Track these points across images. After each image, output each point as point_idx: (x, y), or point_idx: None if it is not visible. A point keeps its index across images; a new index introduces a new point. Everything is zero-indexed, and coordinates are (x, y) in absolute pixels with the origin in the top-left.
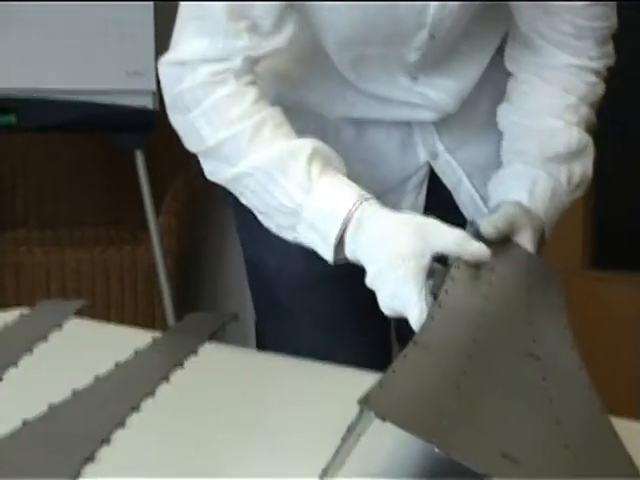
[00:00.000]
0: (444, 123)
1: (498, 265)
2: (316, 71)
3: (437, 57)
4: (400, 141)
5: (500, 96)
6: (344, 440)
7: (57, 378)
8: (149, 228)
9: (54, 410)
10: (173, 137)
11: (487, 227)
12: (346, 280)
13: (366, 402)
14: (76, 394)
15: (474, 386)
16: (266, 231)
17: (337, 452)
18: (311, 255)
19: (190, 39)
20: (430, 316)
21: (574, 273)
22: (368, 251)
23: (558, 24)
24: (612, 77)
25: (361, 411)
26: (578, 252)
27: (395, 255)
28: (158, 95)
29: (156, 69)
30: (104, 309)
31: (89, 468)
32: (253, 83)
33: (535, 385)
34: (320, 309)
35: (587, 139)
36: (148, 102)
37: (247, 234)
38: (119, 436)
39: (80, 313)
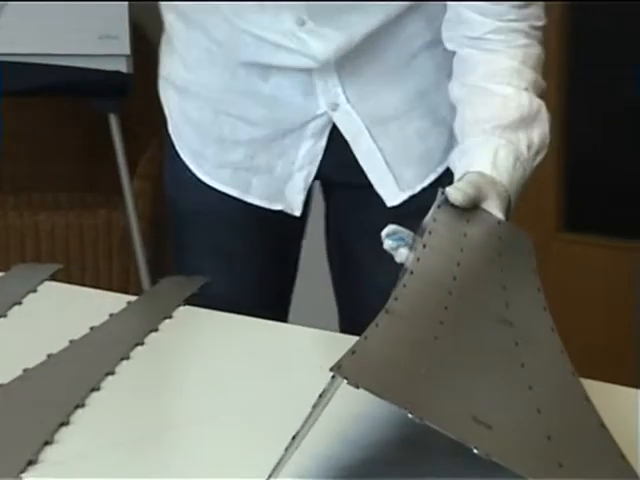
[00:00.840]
0: (348, 75)
1: (469, 231)
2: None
3: (323, 8)
4: (302, 89)
5: (409, 52)
6: (315, 407)
7: (32, 342)
8: (124, 192)
9: (29, 374)
10: (148, 101)
11: (455, 193)
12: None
13: (338, 369)
14: (51, 358)
15: (446, 353)
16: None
17: (307, 419)
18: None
19: None
20: (402, 284)
21: (549, 236)
22: None
23: None
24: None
25: (333, 378)
26: (553, 215)
27: None
28: (132, 59)
29: (130, 32)
30: (79, 273)
31: (64, 432)
32: None
33: (507, 351)
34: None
35: (538, 102)
36: (122, 66)
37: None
38: (94, 400)
39: (55, 277)
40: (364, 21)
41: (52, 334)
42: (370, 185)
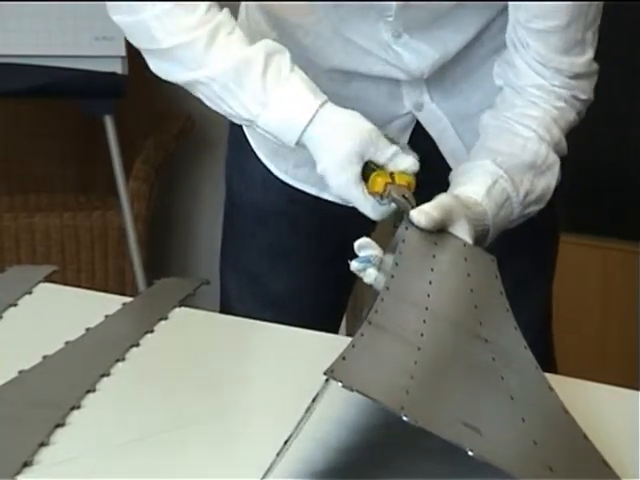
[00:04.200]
0: (435, 77)
1: (437, 253)
2: (309, 15)
3: (421, 22)
4: (386, 92)
5: (492, 50)
6: (308, 410)
7: (27, 343)
8: (119, 193)
9: (24, 376)
10: (143, 102)
11: (419, 216)
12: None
13: (332, 372)
14: (46, 359)
15: (429, 364)
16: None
17: (300, 421)
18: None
19: None
20: (380, 298)
21: None
22: (316, 152)
23: (528, 48)
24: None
25: (327, 381)
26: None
27: (335, 161)
28: (128, 60)
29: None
30: (74, 275)
31: (59, 434)
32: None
33: (486, 364)
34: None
35: (555, 159)
36: (118, 67)
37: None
38: (90, 402)
39: (50, 278)
40: (458, 35)
41: (47, 335)
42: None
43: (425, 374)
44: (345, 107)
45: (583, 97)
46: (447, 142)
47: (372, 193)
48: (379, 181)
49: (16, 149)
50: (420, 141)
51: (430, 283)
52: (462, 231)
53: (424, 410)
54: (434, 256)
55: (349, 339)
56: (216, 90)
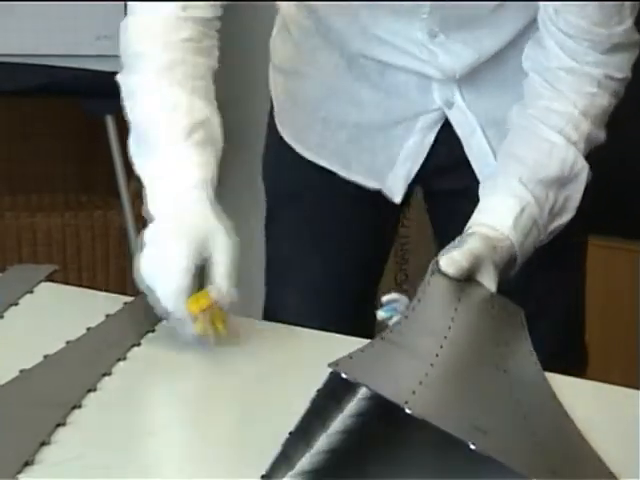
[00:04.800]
0: (467, 76)
1: (463, 297)
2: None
3: (457, 22)
4: (418, 84)
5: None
6: (313, 403)
7: (28, 343)
8: (120, 193)
9: (25, 375)
10: None
11: (447, 265)
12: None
13: (336, 365)
14: (47, 359)
15: (440, 376)
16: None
17: (305, 414)
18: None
19: None
20: (397, 322)
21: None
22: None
23: (558, 20)
24: None
25: (331, 375)
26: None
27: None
28: None
29: None
30: (75, 274)
31: (61, 433)
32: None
33: (500, 385)
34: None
35: (582, 165)
36: (119, 67)
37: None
38: (91, 401)
39: (51, 278)
40: (495, 36)
41: (49, 335)
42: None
43: (434, 383)
44: (377, 93)
45: (619, 75)
46: (474, 146)
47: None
48: (197, 302)
49: (17, 149)
50: (446, 144)
51: (452, 320)
52: (488, 278)
53: (429, 408)
54: (459, 299)
55: (350, 338)
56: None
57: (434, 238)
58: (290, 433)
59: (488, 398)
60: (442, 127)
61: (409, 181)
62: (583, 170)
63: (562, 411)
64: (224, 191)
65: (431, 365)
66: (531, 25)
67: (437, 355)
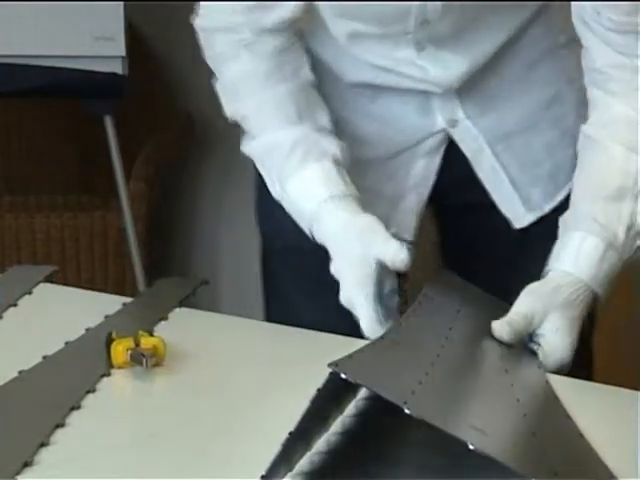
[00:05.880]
0: (468, 89)
1: (465, 300)
2: (326, 30)
3: (444, 34)
4: (417, 106)
5: (528, 61)
6: (313, 402)
7: (27, 343)
8: (119, 194)
9: (24, 376)
10: (143, 103)
11: (501, 330)
12: None
13: (336, 365)
14: (46, 360)
15: (441, 375)
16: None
17: (305, 413)
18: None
19: (203, 6)
20: (399, 322)
21: None
22: (328, 246)
23: (599, 17)
24: None
25: (331, 375)
26: None
27: (342, 260)
28: (128, 60)
29: (125, 34)
30: (74, 275)
31: (60, 434)
32: (270, 54)
33: (499, 377)
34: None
35: None
36: (118, 67)
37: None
38: (90, 402)
39: (50, 279)
40: (486, 41)
41: (48, 335)
42: (492, 206)
43: (434, 382)
44: (374, 126)
45: None
46: (483, 163)
47: (117, 364)
48: (120, 350)
49: (16, 149)
50: (454, 163)
51: (454, 320)
52: (552, 328)
53: (428, 408)
54: (462, 301)
55: (350, 339)
56: (256, 164)
57: (440, 248)
58: (290, 433)
59: (488, 398)
60: (448, 147)
61: (420, 210)
62: None
63: (563, 411)
64: (224, 191)
65: (432, 364)
66: (527, 29)
67: (438, 355)
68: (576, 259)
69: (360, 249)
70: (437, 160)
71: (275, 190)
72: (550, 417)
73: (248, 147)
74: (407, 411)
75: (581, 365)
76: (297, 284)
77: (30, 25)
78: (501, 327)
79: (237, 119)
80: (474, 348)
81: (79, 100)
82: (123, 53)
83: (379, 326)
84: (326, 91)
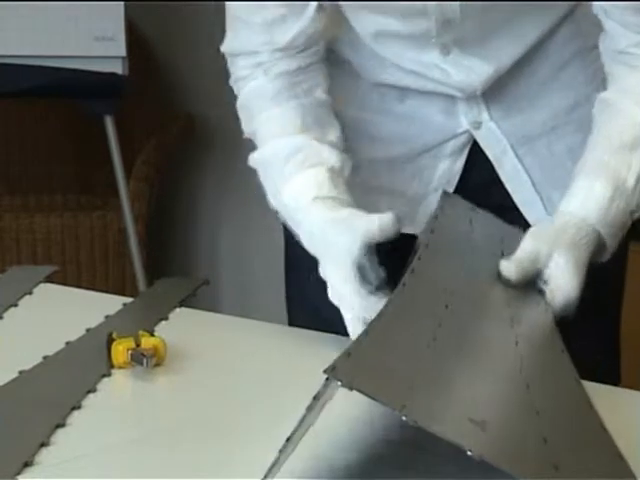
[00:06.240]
0: (493, 91)
1: (474, 234)
2: (352, 31)
3: (469, 37)
4: (442, 107)
5: (557, 64)
6: (309, 409)
7: (28, 344)
8: (119, 193)
9: (25, 376)
10: (143, 103)
11: (509, 270)
12: None
13: (332, 371)
14: (47, 360)
15: (444, 354)
16: None
17: (301, 420)
18: None
19: (229, 31)
20: (402, 283)
21: None
22: (314, 250)
23: (616, 5)
24: None
25: (327, 380)
26: None
27: (326, 258)
28: (128, 61)
29: (126, 34)
30: (75, 275)
31: (60, 434)
32: (283, 74)
33: (506, 351)
34: None
35: None
36: (118, 68)
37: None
38: (90, 402)
39: (50, 279)
40: (514, 45)
41: (48, 336)
42: (514, 208)
43: (437, 367)
44: (400, 125)
45: None
46: (506, 166)
47: (118, 364)
48: (120, 350)
49: (17, 149)
50: (477, 165)
51: (462, 267)
52: (560, 268)
53: (428, 408)
54: (469, 240)
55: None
56: (260, 176)
57: None
58: (287, 439)
59: (491, 372)
60: (471, 149)
61: None
62: None
63: (571, 374)
64: (224, 191)
65: (433, 339)
66: (556, 31)
67: (440, 325)
68: (583, 202)
69: (343, 239)
70: (460, 161)
71: (274, 199)
72: (565, 404)
73: (252, 158)
74: (404, 418)
75: (608, 371)
76: (317, 274)
77: (30, 25)
78: (508, 267)
79: (252, 137)
80: (480, 295)
81: (79, 100)
82: (123, 53)
83: (363, 326)
84: (347, 90)
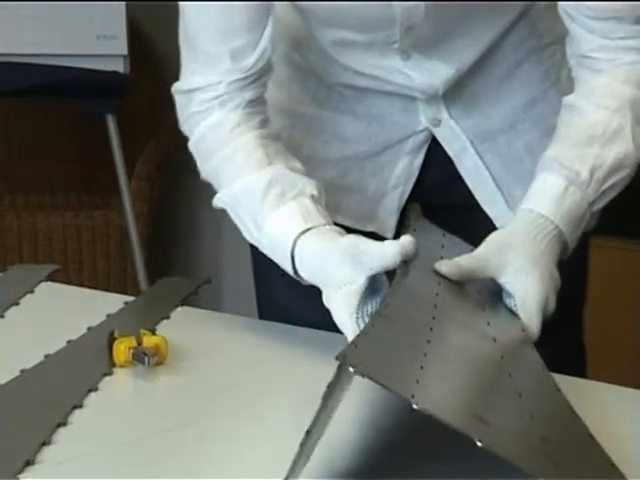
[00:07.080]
0: (452, 91)
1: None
2: (312, 37)
3: (429, 40)
4: (402, 107)
5: (513, 61)
6: (325, 398)
7: (29, 342)
8: (121, 192)
9: (26, 375)
10: (145, 101)
11: (439, 264)
12: None
13: (344, 359)
14: (48, 359)
15: (440, 354)
16: None
17: (320, 410)
18: None
19: (185, 70)
20: (391, 292)
21: None
22: (315, 279)
23: (579, 7)
24: None
25: (339, 368)
26: None
27: (329, 284)
28: (130, 59)
29: (127, 32)
30: (76, 274)
31: (61, 433)
32: (239, 106)
33: (494, 361)
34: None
35: (619, 123)
36: (119, 66)
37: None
38: (92, 401)
39: (52, 277)
40: (472, 46)
41: (49, 334)
42: (476, 205)
43: (435, 365)
44: (360, 123)
45: None
46: (466, 162)
47: (119, 363)
48: (122, 349)
49: (18, 148)
50: (436, 163)
51: (439, 284)
52: (515, 270)
53: (434, 400)
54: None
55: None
56: (231, 212)
57: None
58: (307, 432)
59: (483, 377)
60: (430, 146)
61: (400, 209)
62: (622, 127)
63: (552, 384)
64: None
65: (428, 342)
66: (512, 30)
67: (431, 329)
68: (537, 197)
69: (348, 268)
70: (420, 158)
71: (251, 235)
72: (541, 392)
73: (219, 199)
74: (415, 406)
75: (575, 363)
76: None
77: (32, 24)
78: (447, 265)
79: (210, 178)
80: (461, 312)
81: (81, 99)
82: (125, 52)
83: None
84: (308, 89)
